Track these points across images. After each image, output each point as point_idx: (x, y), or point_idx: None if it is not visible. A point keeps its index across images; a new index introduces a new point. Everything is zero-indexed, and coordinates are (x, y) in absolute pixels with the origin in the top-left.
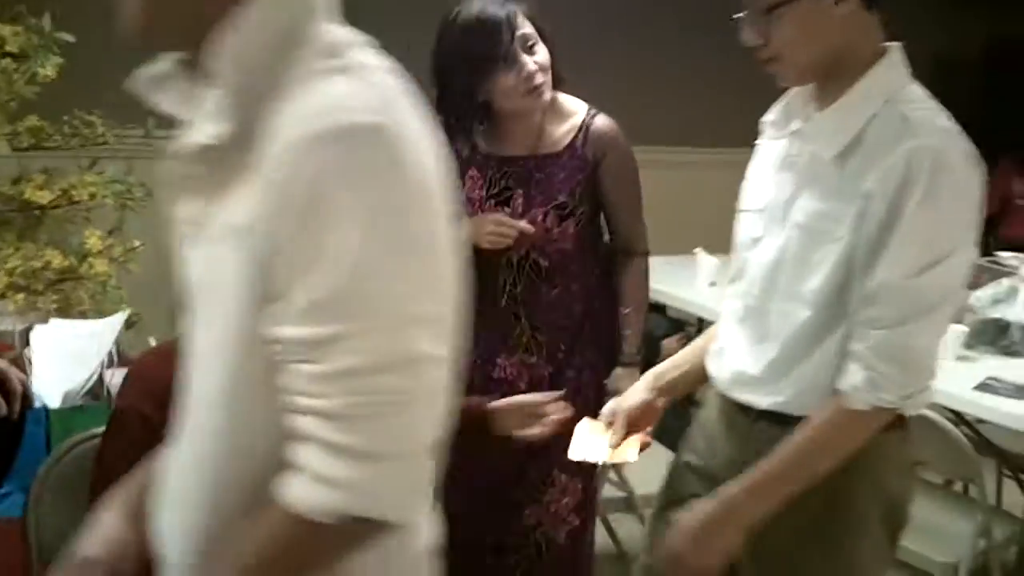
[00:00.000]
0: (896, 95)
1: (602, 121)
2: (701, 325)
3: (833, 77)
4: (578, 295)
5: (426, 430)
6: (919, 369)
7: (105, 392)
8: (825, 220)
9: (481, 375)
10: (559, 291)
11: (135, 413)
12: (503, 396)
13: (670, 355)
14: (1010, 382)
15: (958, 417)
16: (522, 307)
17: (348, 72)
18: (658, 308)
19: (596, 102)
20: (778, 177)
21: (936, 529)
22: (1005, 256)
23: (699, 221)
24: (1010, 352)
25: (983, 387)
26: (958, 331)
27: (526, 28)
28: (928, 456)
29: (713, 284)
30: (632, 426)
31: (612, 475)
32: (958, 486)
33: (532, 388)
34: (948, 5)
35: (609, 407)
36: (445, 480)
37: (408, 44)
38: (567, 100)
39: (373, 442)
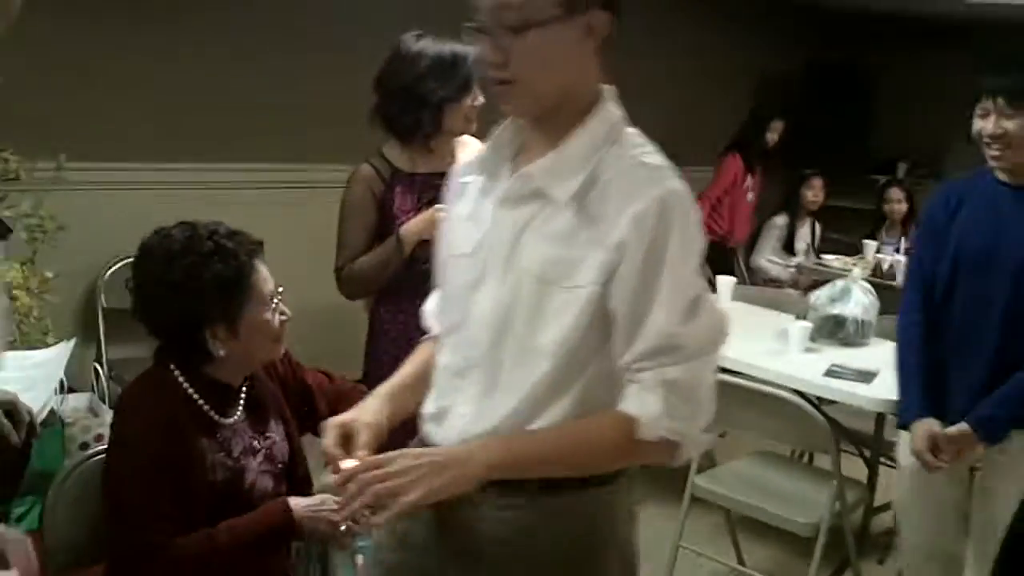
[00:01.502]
0: (620, 137)
1: None
2: None
3: (555, 113)
4: None
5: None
6: (708, 407)
7: (58, 419)
8: (561, 266)
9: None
10: None
11: (139, 439)
12: None
13: None
14: (851, 368)
15: (806, 400)
16: None
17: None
18: None
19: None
20: (494, 218)
21: (796, 495)
22: (828, 258)
23: None
24: (847, 343)
25: (830, 373)
26: (805, 326)
27: None
28: (784, 432)
29: None
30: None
31: None
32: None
33: None
34: (773, 30)
35: (344, 420)
36: None
37: None
38: None
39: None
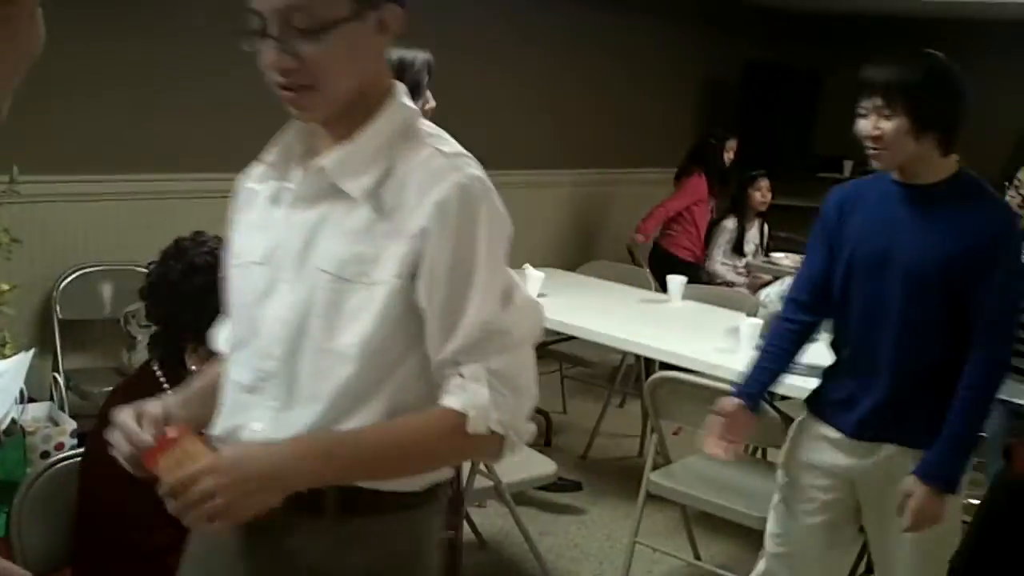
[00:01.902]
0: (413, 130)
1: None
2: None
3: (347, 112)
4: None
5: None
6: (531, 396)
7: (19, 428)
8: (358, 264)
9: None
10: None
11: None
12: None
13: None
14: (802, 363)
15: None
16: None
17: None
18: None
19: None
20: (285, 222)
21: (750, 490)
22: (777, 256)
23: (525, 239)
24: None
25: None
26: (755, 323)
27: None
28: None
29: (542, 295)
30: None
31: (482, 467)
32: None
33: None
34: (714, 32)
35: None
36: None
37: None
38: None
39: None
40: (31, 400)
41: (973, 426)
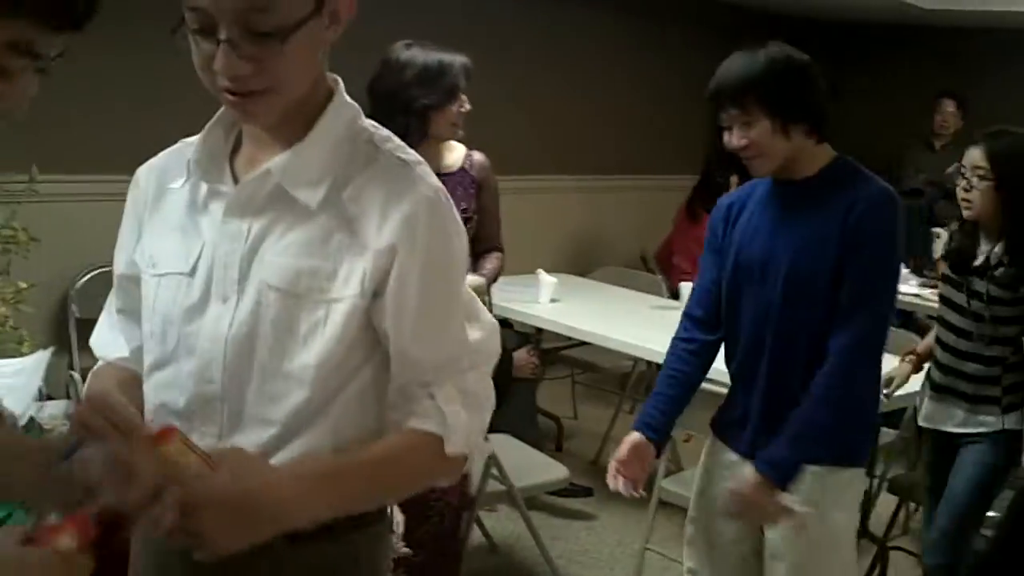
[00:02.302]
0: (362, 130)
1: (479, 154)
2: (540, 335)
3: (296, 110)
4: None
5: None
6: (489, 412)
7: (37, 426)
8: (312, 278)
9: None
10: None
11: None
12: None
13: (521, 365)
14: None
15: None
16: None
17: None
18: (506, 324)
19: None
20: (219, 230)
21: None
22: None
23: (538, 244)
24: None
25: None
26: None
27: None
28: None
29: (554, 300)
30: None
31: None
32: None
33: None
34: (725, 38)
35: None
36: None
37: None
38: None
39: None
40: (49, 398)
41: (816, 420)
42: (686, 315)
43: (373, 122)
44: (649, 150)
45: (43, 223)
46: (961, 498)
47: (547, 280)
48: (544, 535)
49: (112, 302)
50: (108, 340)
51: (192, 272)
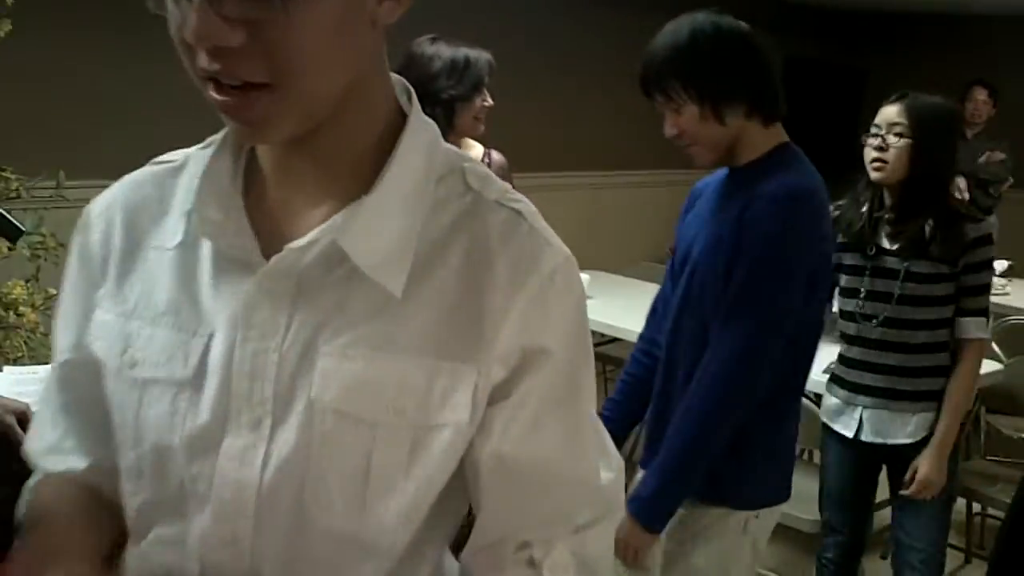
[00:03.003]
0: (442, 159)
1: (497, 154)
2: None
3: (331, 130)
4: None
5: None
6: None
7: None
8: (406, 395)
9: None
10: None
11: None
12: None
13: None
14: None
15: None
16: None
17: None
18: None
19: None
20: (240, 315)
21: (799, 493)
22: None
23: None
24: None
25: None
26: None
27: None
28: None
29: (588, 298)
30: None
31: None
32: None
33: None
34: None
35: None
36: None
37: None
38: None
39: None
40: None
41: (673, 447)
42: (650, 311)
43: (452, 147)
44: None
45: (71, 229)
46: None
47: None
48: None
49: (51, 398)
50: (52, 442)
51: (196, 380)
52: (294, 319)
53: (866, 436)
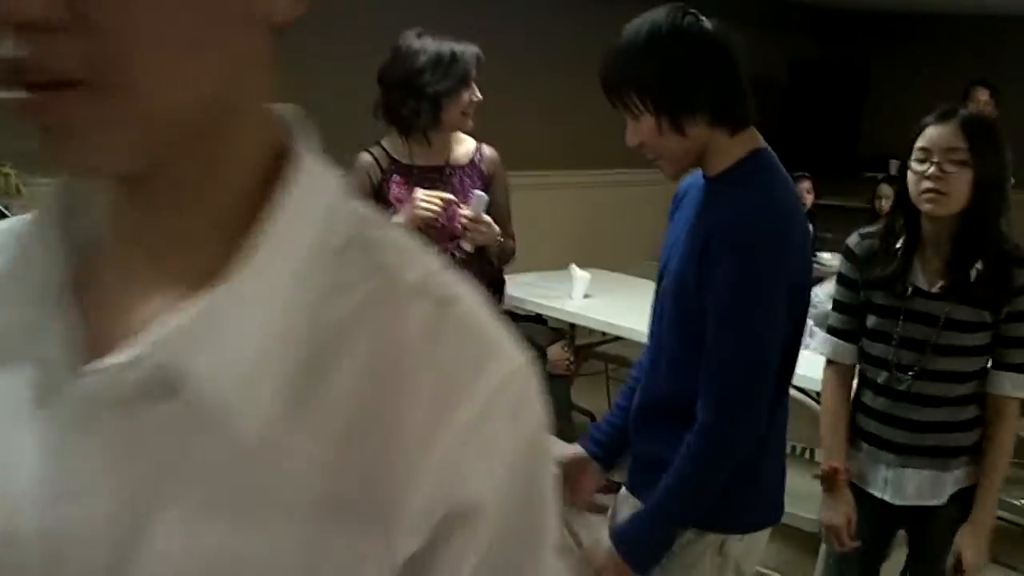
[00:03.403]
0: (342, 225)
1: (489, 148)
2: (574, 331)
3: (189, 168)
4: (481, 278)
5: None
6: None
7: None
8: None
9: None
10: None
11: None
12: None
13: (555, 361)
14: None
15: (808, 397)
16: None
17: None
18: (540, 320)
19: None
20: (50, 466)
21: (800, 492)
22: (823, 256)
23: (571, 239)
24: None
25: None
26: (807, 324)
27: None
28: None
29: (588, 296)
30: None
31: None
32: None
33: None
34: (758, 31)
35: None
36: None
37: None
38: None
39: None
40: None
41: (670, 500)
42: (651, 312)
43: (368, 210)
44: None
45: None
46: None
47: (580, 276)
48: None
49: None
50: None
51: (8, 546)
52: (117, 472)
53: (891, 497)
